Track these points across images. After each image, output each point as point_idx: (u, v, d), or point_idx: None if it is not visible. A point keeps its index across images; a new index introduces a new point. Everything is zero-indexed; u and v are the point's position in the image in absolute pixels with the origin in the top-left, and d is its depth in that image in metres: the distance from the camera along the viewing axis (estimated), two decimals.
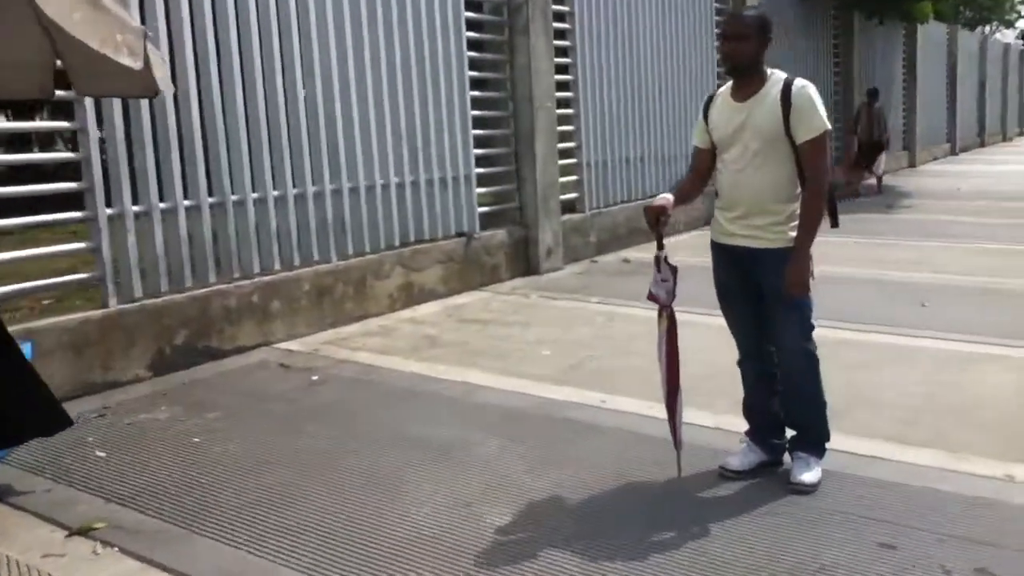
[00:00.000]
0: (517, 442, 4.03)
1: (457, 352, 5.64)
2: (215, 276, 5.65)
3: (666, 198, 3.47)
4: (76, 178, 4.98)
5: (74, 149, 4.99)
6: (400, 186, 6.96)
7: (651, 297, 3.48)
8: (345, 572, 2.89)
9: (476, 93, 7.79)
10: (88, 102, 4.84)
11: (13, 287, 4.75)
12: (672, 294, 3.45)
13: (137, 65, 3.25)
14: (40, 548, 3.15)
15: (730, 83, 3.48)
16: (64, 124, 5.01)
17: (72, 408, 4.58)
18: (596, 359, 5.33)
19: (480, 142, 7.94)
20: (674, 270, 3.44)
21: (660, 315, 3.49)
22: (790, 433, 3.59)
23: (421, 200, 7.14)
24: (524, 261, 8.20)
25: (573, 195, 9.00)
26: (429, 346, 5.83)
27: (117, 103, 4.94)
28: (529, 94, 8.02)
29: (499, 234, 7.95)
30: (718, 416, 4.18)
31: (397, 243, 6.96)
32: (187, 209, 5.47)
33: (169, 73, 3.88)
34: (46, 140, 13.19)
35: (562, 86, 8.71)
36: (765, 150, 3.33)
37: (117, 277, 5.12)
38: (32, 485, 3.71)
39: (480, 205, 7.82)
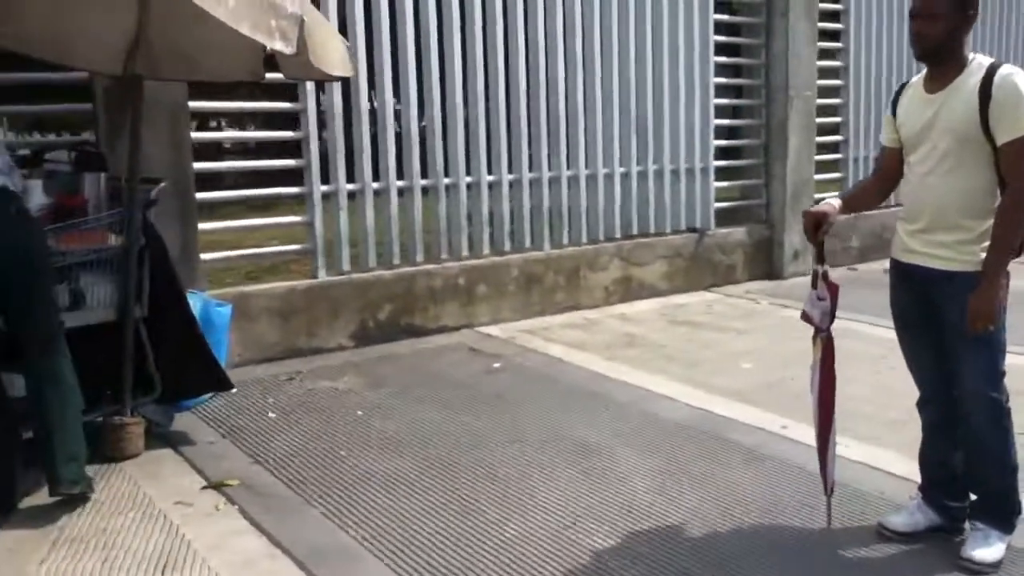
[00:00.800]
0: (668, 459, 3.72)
1: (651, 355, 5.35)
2: (423, 256, 5.82)
3: (830, 204, 2.99)
4: (296, 156, 5.36)
5: (295, 129, 5.36)
6: (625, 176, 6.73)
7: (805, 318, 3.03)
8: (427, 565, 2.82)
9: (722, 80, 7.32)
10: (309, 85, 5.17)
11: (233, 253, 5.22)
12: (830, 316, 2.97)
13: (289, 50, 3.38)
14: (176, 495, 3.40)
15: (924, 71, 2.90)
16: (286, 105, 5.39)
17: (273, 370, 4.98)
18: (798, 379, 4.78)
19: (724, 133, 7.46)
20: (834, 289, 2.95)
21: (815, 339, 3.02)
22: (973, 497, 2.96)
23: (648, 191, 6.86)
24: (765, 263, 7.61)
25: (833, 195, 8.18)
26: (626, 345, 5.59)
27: (336, 86, 5.23)
28: (785, 82, 7.39)
29: (737, 232, 7.44)
30: (887, 455, 3.58)
31: (617, 235, 6.75)
32: (399, 190, 5.68)
33: (346, 55, 4.01)
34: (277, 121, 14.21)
35: (828, 73, 7.93)
36: (957, 151, 2.74)
37: (327, 251, 5.44)
38: (202, 436, 4.04)
39: (718, 200, 7.36)
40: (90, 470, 3.52)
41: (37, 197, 3.63)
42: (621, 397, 4.55)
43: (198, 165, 4.95)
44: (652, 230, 6.94)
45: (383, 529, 3.08)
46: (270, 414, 4.32)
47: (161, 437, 3.98)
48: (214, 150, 11.18)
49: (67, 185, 3.79)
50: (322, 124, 5.39)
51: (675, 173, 7.00)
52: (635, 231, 6.85)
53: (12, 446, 3.30)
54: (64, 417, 3.30)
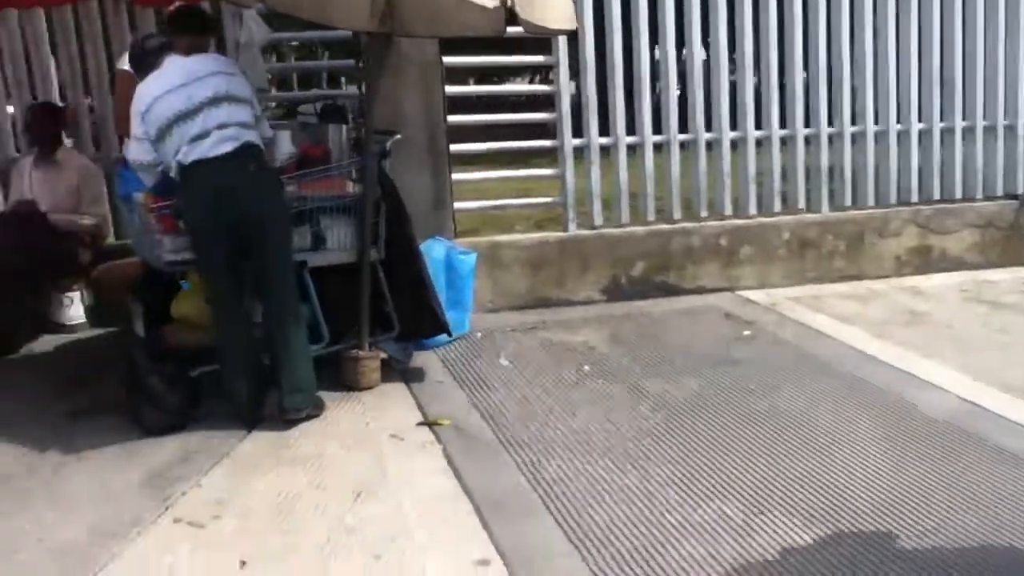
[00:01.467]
0: (919, 456, 3.23)
1: (930, 336, 4.70)
2: (680, 213, 5.58)
3: None
4: (549, 109, 5.35)
5: (548, 82, 5.34)
6: (926, 133, 5.94)
7: None
8: (603, 539, 2.72)
9: None
10: (562, 39, 5.11)
11: (485, 203, 5.35)
12: None
13: (492, 3, 3.36)
14: (393, 428, 3.58)
15: None
16: (539, 58, 5.37)
17: (519, 318, 5.07)
18: None
19: None
20: None
21: None
22: None
23: (953, 151, 6.00)
24: None
25: None
26: (905, 323, 4.96)
27: (589, 41, 5.13)
28: None
29: None
30: None
31: (914, 199, 5.99)
32: (655, 145, 5.47)
33: (570, 10, 3.91)
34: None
35: None
36: None
37: (578, 205, 5.39)
38: (435, 376, 4.21)
39: None
40: (329, 396, 3.85)
41: (285, 146, 3.96)
42: (876, 380, 4.04)
43: (453, 118, 5.12)
44: (958, 195, 6.08)
45: (570, 491, 2.99)
46: (502, 361, 4.40)
47: (400, 373, 4.21)
48: (473, 104, 11.66)
49: (313, 136, 4.09)
50: (575, 76, 5.32)
51: (990, 130, 6.05)
52: (937, 195, 6.03)
53: (258, 368, 3.67)
54: (292, 352, 3.60)
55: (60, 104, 5.42)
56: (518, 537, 2.71)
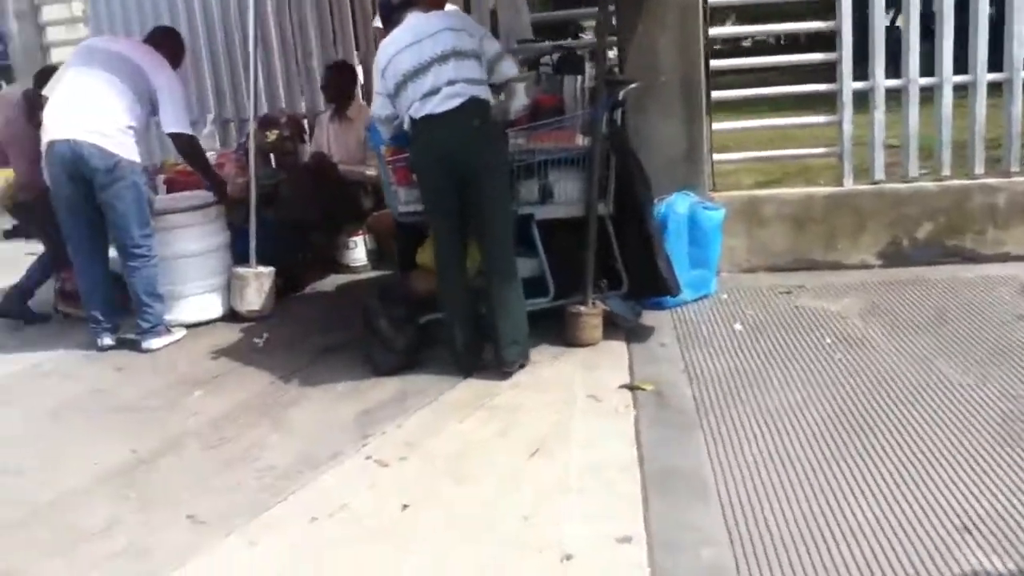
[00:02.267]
0: None
1: None
2: (982, 167, 4.77)
3: None
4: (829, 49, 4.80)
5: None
6: None
7: None
8: (763, 533, 2.49)
9: None
10: None
11: (746, 154, 4.97)
12: None
13: None
14: (595, 388, 3.51)
15: None
16: None
17: (774, 280, 4.74)
18: None
19: None
20: None
21: None
22: None
23: None
24: None
25: None
26: None
27: None
28: None
29: None
30: None
31: None
32: (955, 87, 4.70)
33: None
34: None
35: None
36: None
37: (857, 156, 4.82)
38: (661, 337, 4.06)
39: None
40: (547, 351, 3.90)
41: (519, 99, 3.96)
42: None
43: (715, 62, 4.80)
44: None
45: (754, 482, 2.71)
46: (736, 326, 4.12)
47: (627, 331, 4.12)
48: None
49: (550, 87, 4.06)
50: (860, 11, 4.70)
51: None
52: None
53: (476, 319, 3.78)
54: (508, 305, 3.66)
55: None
56: (673, 519, 2.55)
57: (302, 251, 5.33)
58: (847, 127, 4.79)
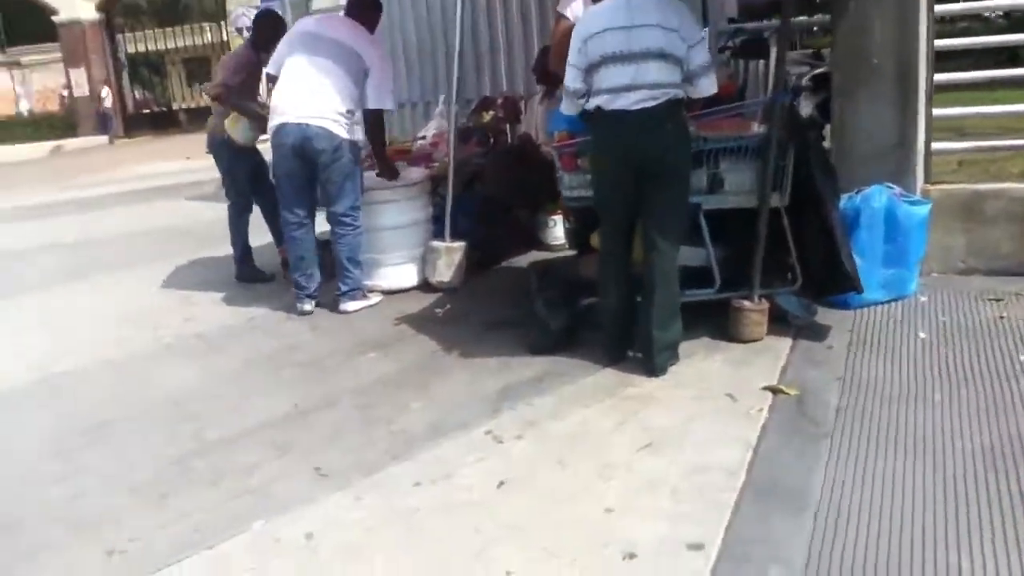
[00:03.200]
0: None
1: None
2: None
3: None
4: None
5: None
6: None
7: None
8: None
9: None
10: None
11: (966, 144, 4.41)
12: None
13: None
14: (737, 386, 3.35)
15: None
16: None
17: (992, 285, 4.25)
18: None
19: None
20: None
21: None
22: None
23: None
24: None
25: None
26: None
27: None
28: None
29: None
30: None
31: None
32: None
33: None
34: None
35: None
36: None
37: None
38: (833, 339, 3.79)
39: None
40: (706, 344, 3.81)
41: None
42: None
43: (942, 43, 4.31)
44: None
45: (863, 505, 2.49)
46: (921, 334, 3.73)
47: (797, 329, 3.88)
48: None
49: (732, 72, 3.87)
50: None
51: None
52: None
53: (630, 311, 3.73)
54: (665, 312, 3.57)
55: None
56: (757, 532, 2.42)
57: (502, 227, 5.52)
58: None
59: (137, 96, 29.45)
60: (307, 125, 4.58)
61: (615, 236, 3.72)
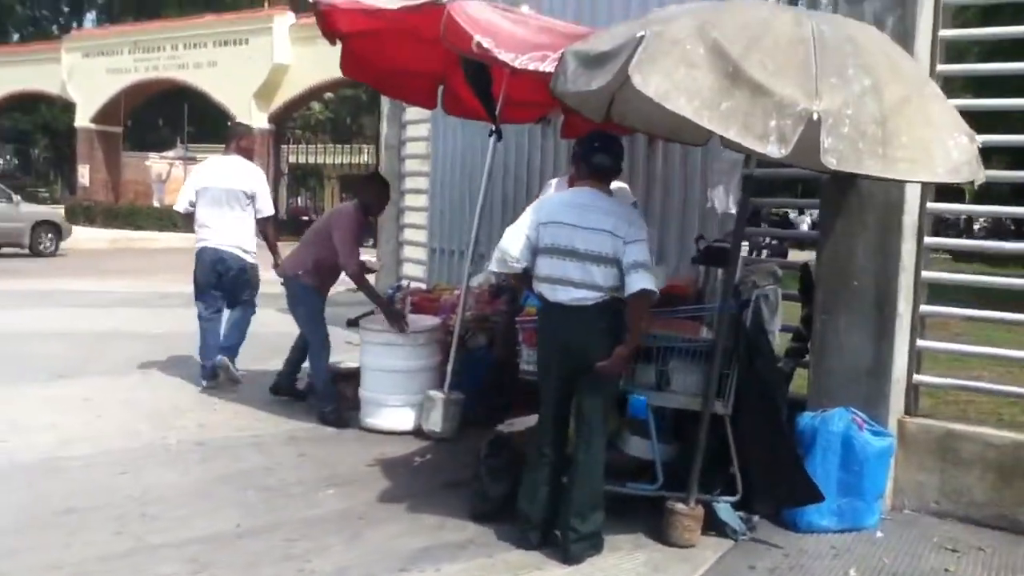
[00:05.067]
0: None
1: None
2: None
3: None
4: None
5: None
6: None
7: None
8: None
9: None
10: None
11: (943, 380, 4.31)
12: None
13: (780, 152, 3.03)
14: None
15: None
16: None
17: (960, 534, 4.09)
18: None
19: None
20: None
21: None
22: None
23: None
24: None
25: None
26: None
27: None
28: None
29: None
30: None
31: None
32: None
33: (969, 158, 3.14)
34: None
35: None
36: None
37: None
38: (761, 558, 3.74)
39: None
40: (629, 541, 3.88)
41: (658, 281, 4.01)
42: None
43: (931, 274, 4.34)
44: None
45: None
46: (851, 572, 3.64)
47: (735, 543, 3.86)
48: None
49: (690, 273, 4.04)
50: None
51: None
52: None
53: (554, 501, 3.79)
54: (582, 505, 3.67)
55: None
56: None
57: (507, 388, 5.72)
58: None
59: (297, 203, 31.79)
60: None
61: (547, 428, 3.81)
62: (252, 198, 6.28)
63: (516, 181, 6.97)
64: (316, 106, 34.23)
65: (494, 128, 5.35)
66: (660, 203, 5.79)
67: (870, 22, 4.30)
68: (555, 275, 3.68)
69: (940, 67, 4.43)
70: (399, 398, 5.35)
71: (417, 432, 5.32)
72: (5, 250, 16.76)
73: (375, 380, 5.30)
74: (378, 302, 5.58)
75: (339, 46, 5.46)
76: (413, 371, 5.37)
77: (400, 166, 8.81)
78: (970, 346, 4.62)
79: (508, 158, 7.00)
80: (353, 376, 5.61)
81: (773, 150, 3.10)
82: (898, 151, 3.23)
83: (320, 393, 5.57)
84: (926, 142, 3.31)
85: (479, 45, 4.49)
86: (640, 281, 3.57)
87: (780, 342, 4.55)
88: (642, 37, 3.27)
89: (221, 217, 6.20)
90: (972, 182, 3.37)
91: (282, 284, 5.77)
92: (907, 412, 4.37)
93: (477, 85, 5.11)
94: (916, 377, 4.39)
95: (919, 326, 4.37)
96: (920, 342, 4.38)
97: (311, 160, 31.83)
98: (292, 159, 31.17)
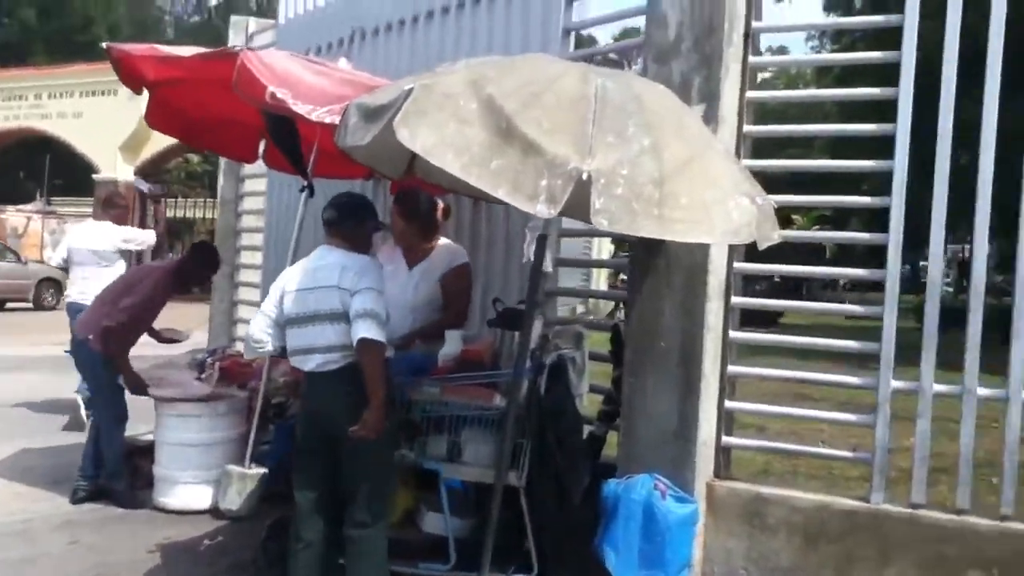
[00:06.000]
0: None
1: None
2: None
3: None
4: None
5: None
6: None
7: None
8: None
9: None
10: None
11: (751, 442, 4.24)
12: None
13: (549, 212, 2.89)
14: None
15: None
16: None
17: None
18: None
19: None
20: None
21: None
22: None
23: None
24: None
25: None
26: None
27: None
28: None
29: None
30: None
31: None
32: None
33: (757, 218, 3.09)
34: None
35: None
36: None
37: (893, 466, 3.95)
38: None
39: None
40: None
41: (451, 346, 3.81)
42: None
43: (738, 335, 4.29)
44: None
45: None
46: None
47: None
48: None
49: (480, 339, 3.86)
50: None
51: None
52: None
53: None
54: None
55: None
56: None
57: None
58: (881, 432, 3.96)
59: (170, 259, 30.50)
60: None
61: (306, 510, 3.51)
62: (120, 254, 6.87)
63: None
64: (193, 157, 33.23)
65: (305, 184, 5.08)
66: (483, 262, 5.62)
67: (677, 82, 4.29)
68: (301, 345, 3.48)
69: (747, 128, 4.43)
70: (194, 474, 4.93)
71: (215, 511, 4.90)
72: None
73: (168, 455, 4.88)
74: (123, 368, 5.02)
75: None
76: (210, 444, 4.97)
77: (237, 222, 8.44)
78: (774, 407, 4.56)
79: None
80: (150, 450, 5.15)
81: (543, 210, 2.96)
82: (676, 212, 3.14)
83: (110, 471, 5.06)
84: (707, 203, 3.23)
85: (273, 96, 4.27)
86: (361, 330, 3.33)
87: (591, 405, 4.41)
88: (410, 90, 3.10)
89: (85, 275, 6.66)
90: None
91: (68, 352, 5.28)
92: (716, 475, 4.26)
93: (279, 137, 4.85)
94: (725, 439, 4.29)
95: (727, 387, 4.29)
96: (729, 403, 4.30)
97: (182, 215, 30.71)
98: (171, 213, 30.04)
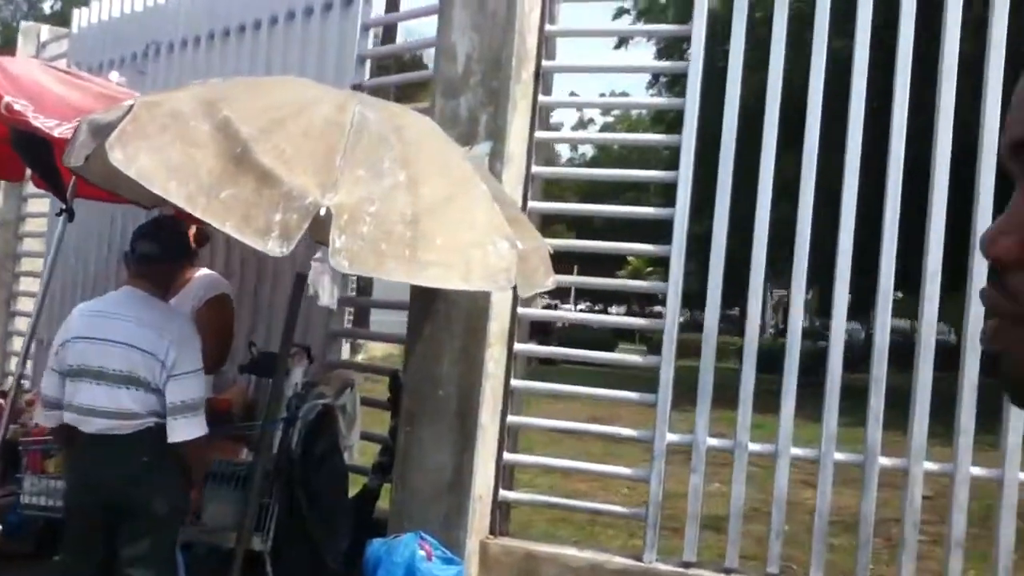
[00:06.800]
0: None
1: None
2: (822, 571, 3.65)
3: None
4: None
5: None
6: None
7: None
8: None
9: None
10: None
11: (529, 496, 4.09)
12: None
13: (282, 251, 2.59)
14: None
15: None
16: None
17: None
18: None
19: None
20: None
21: None
22: None
23: None
24: None
25: None
26: None
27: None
28: None
29: None
30: None
31: None
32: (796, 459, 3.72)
33: (509, 265, 2.89)
34: None
35: None
36: None
37: (665, 523, 3.85)
38: None
39: None
40: None
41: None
42: None
43: (520, 383, 4.11)
44: None
45: None
46: None
47: None
48: None
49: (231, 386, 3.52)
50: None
51: None
52: None
53: None
54: None
55: None
56: None
57: None
58: (655, 487, 3.86)
59: None
60: None
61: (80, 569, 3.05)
62: None
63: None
64: None
65: (64, 207, 4.56)
66: (268, 297, 5.22)
67: (465, 117, 4.12)
68: (83, 403, 2.94)
69: (535, 168, 4.30)
70: None
71: None
72: None
73: None
74: None
75: None
76: None
77: (17, 245, 7.67)
78: (555, 459, 4.40)
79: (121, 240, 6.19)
80: None
81: (274, 247, 2.66)
82: (430, 254, 2.91)
83: None
84: (464, 246, 3.02)
85: (9, 107, 3.79)
86: (184, 431, 2.94)
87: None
88: (131, 107, 2.76)
89: None
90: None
91: None
92: (492, 532, 4.04)
93: (27, 154, 4.33)
94: (502, 493, 4.09)
95: (507, 438, 4.10)
96: (508, 456, 4.10)
97: None
98: None
